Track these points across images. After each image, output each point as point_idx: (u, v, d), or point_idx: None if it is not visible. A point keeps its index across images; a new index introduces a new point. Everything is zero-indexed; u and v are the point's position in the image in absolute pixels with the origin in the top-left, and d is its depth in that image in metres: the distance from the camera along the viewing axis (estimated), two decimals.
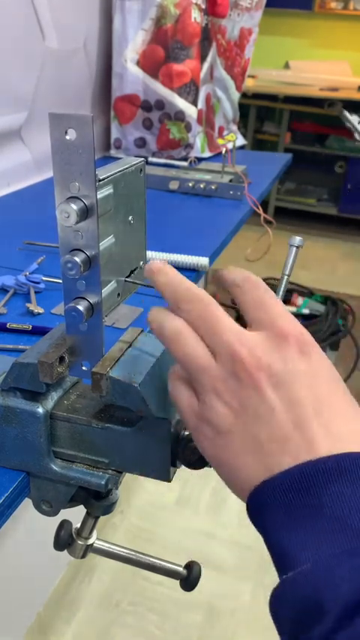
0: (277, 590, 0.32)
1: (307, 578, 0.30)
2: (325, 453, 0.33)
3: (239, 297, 0.38)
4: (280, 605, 0.32)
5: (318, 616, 0.29)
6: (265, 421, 0.34)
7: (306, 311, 2.62)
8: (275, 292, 0.48)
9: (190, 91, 1.56)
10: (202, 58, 1.59)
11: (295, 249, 0.48)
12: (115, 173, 0.42)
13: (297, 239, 0.47)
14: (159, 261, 0.41)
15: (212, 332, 0.36)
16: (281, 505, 0.33)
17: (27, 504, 0.52)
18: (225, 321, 0.36)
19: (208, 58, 1.65)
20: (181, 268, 0.91)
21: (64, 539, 0.57)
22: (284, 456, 0.33)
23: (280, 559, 0.32)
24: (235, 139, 1.62)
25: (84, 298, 0.42)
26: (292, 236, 0.48)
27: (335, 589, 0.29)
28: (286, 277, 0.48)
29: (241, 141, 2.03)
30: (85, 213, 0.39)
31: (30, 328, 0.72)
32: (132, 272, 0.48)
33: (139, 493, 1.78)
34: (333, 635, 0.28)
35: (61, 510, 0.52)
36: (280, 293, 0.47)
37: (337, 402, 0.35)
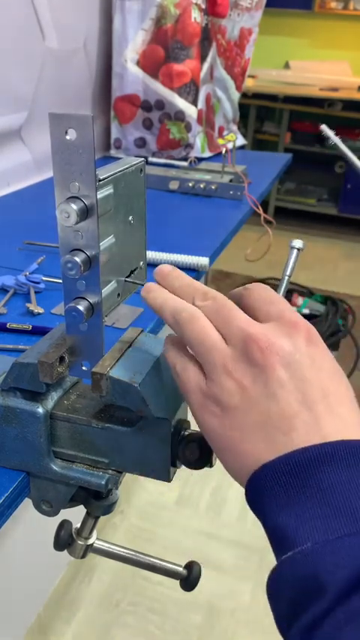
0: (276, 572, 0.32)
1: (307, 557, 0.31)
2: (331, 432, 0.34)
3: (248, 298, 0.40)
4: (278, 585, 0.32)
5: (317, 594, 0.30)
6: (274, 397, 0.35)
7: (306, 311, 2.62)
8: (276, 292, 0.48)
9: (190, 91, 1.56)
10: (202, 58, 1.59)
11: (296, 251, 0.48)
12: (115, 173, 0.42)
13: (299, 242, 0.48)
14: (166, 266, 0.43)
15: (226, 321, 0.38)
16: (282, 486, 0.33)
17: (27, 504, 0.52)
18: (238, 312, 0.38)
19: (208, 58, 1.65)
20: (181, 268, 0.91)
21: (64, 539, 0.57)
22: (292, 432, 0.34)
23: (279, 540, 0.33)
24: (235, 139, 1.62)
25: (84, 298, 0.42)
26: (293, 239, 0.48)
27: (335, 568, 0.30)
28: (286, 278, 0.48)
29: (241, 141, 2.03)
30: (85, 213, 0.39)
31: (30, 328, 0.72)
32: (132, 272, 0.48)
33: (139, 493, 1.78)
34: (331, 612, 0.29)
35: (61, 510, 0.52)
36: (281, 294, 0.47)
37: (341, 392, 0.36)
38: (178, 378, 0.40)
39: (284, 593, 0.32)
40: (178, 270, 0.42)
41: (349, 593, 0.29)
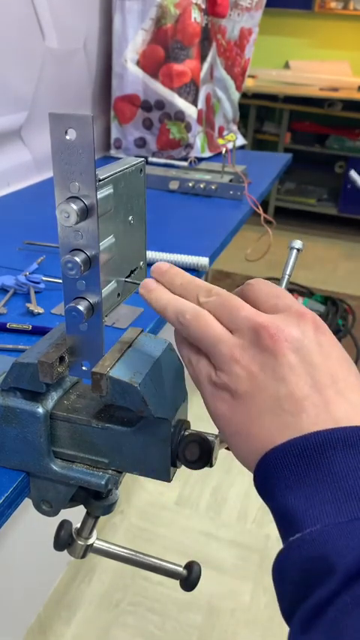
0: (283, 553, 0.32)
1: (316, 539, 0.31)
2: (342, 417, 0.34)
3: (253, 292, 0.40)
4: (285, 566, 0.32)
5: (325, 575, 0.30)
6: (283, 381, 0.35)
7: None
8: None
9: (190, 91, 1.56)
10: (202, 58, 1.59)
11: (295, 251, 0.48)
12: (115, 173, 0.42)
13: (298, 242, 0.48)
14: (165, 263, 0.43)
15: (232, 314, 0.38)
16: (292, 468, 0.33)
17: (27, 504, 0.52)
18: (244, 304, 0.38)
19: (208, 58, 1.65)
20: (181, 268, 0.91)
21: (64, 539, 0.57)
22: (301, 414, 0.34)
23: (288, 521, 0.33)
24: (235, 139, 1.62)
25: (84, 298, 0.42)
26: (293, 239, 0.48)
27: (345, 550, 0.29)
28: (287, 277, 0.48)
29: (241, 141, 2.03)
30: (85, 213, 0.39)
31: (30, 328, 0.72)
32: (132, 272, 0.48)
33: (139, 493, 1.78)
34: (338, 595, 0.29)
35: (61, 510, 0.52)
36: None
37: (351, 379, 0.36)
38: (190, 372, 0.41)
39: (291, 574, 0.32)
40: (176, 267, 0.43)
41: (358, 576, 0.29)
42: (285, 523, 0.33)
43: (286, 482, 0.34)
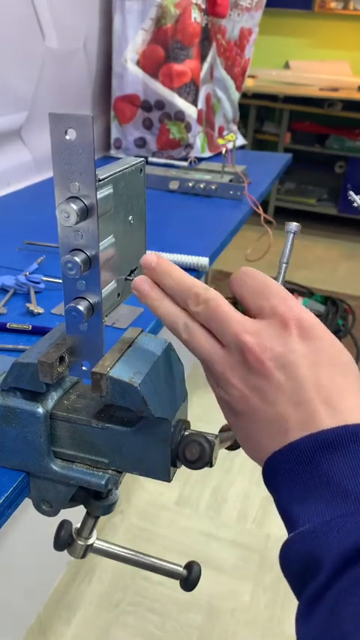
0: (282, 550, 0.36)
1: (305, 538, 0.34)
2: (327, 426, 0.36)
3: (240, 289, 0.40)
4: (284, 562, 0.36)
5: (316, 571, 0.33)
6: (272, 401, 0.37)
7: None
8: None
9: (190, 91, 1.56)
10: (202, 58, 1.59)
11: (292, 235, 0.47)
12: (115, 173, 0.42)
13: (293, 225, 0.47)
14: (152, 254, 0.42)
15: (220, 326, 0.39)
16: (287, 473, 0.36)
17: (27, 504, 0.52)
18: (231, 314, 0.39)
19: (208, 58, 1.65)
20: (181, 268, 0.91)
21: (64, 539, 0.57)
22: (291, 431, 0.37)
23: (286, 520, 0.37)
24: (235, 139, 1.62)
25: (84, 298, 0.42)
26: (287, 223, 0.47)
27: (329, 545, 0.33)
28: (284, 265, 0.48)
29: (241, 141, 2.03)
30: (85, 213, 0.39)
31: (30, 328, 0.72)
32: (132, 272, 0.48)
33: (139, 493, 1.78)
34: (329, 585, 0.32)
35: (61, 510, 0.52)
36: (280, 281, 0.47)
37: (339, 384, 0.37)
38: (185, 343, 0.42)
39: (290, 567, 0.36)
40: (164, 260, 0.42)
41: (345, 567, 0.32)
42: (286, 521, 0.37)
43: (284, 486, 0.37)
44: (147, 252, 0.43)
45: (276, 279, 0.47)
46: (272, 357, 0.37)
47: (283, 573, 0.36)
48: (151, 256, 0.42)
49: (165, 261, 0.42)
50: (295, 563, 0.35)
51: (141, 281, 0.42)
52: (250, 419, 0.39)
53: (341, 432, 0.35)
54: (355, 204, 0.62)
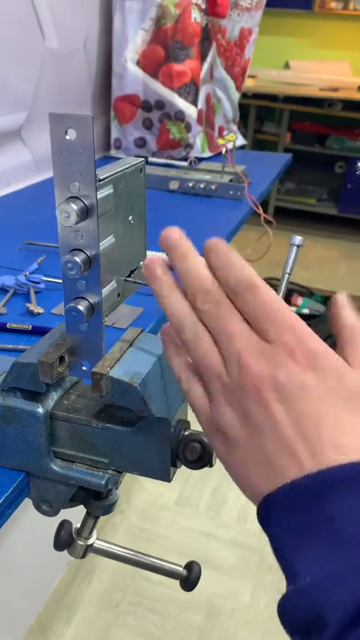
0: (282, 601, 0.33)
1: (305, 594, 0.31)
2: (329, 464, 0.32)
3: (241, 307, 0.36)
4: (284, 614, 0.33)
5: (319, 628, 0.30)
6: (269, 434, 0.34)
7: (306, 311, 2.62)
8: (276, 291, 0.48)
9: (190, 91, 1.56)
10: (202, 58, 1.59)
11: (295, 248, 0.48)
12: (115, 173, 0.42)
13: (297, 238, 0.47)
14: (176, 230, 0.39)
15: (224, 337, 0.36)
16: (283, 517, 0.33)
17: (27, 504, 0.52)
18: (237, 326, 0.36)
19: (208, 58, 1.65)
20: None
21: (64, 539, 0.57)
22: (288, 469, 0.33)
23: (284, 569, 0.33)
24: (235, 139, 1.62)
25: (84, 298, 0.42)
26: (292, 235, 0.48)
27: (333, 604, 0.29)
28: (287, 276, 0.48)
29: (241, 141, 2.03)
30: (85, 213, 0.39)
31: (30, 328, 0.72)
32: (132, 272, 0.48)
33: (139, 493, 1.78)
34: None
35: (61, 510, 0.52)
36: (281, 292, 0.47)
37: (343, 420, 0.33)
38: (184, 394, 0.39)
39: (291, 621, 0.32)
40: (186, 240, 0.39)
41: (349, 629, 0.29)
42: (283, 567, 0.33)
43: (280, 531, 0.33)
44: (171, 227, 0.39)
45: (278, 287, 0.47)
46: (274, 388, 0.34)
47: (282, 624, 0.33)
48: (173, 231, 0.39)
49: (187, 242, 0.39)
50: (296, 619, 0.32)
51: (154, 261, 0.39)
52: (246, 449, 0.35)
53: (348, 471, 0.31)
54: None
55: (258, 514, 0.35)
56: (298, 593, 0.31)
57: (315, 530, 0.32)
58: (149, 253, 0.43)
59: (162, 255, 0.40)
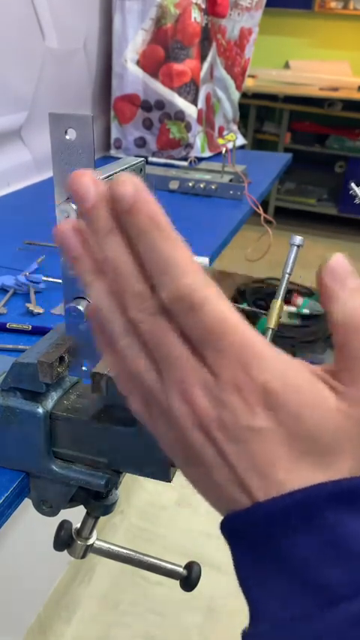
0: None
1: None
2: (280, 493, 0.28)
3: (178, 323, 0.29)
4: None
5: None
6: (218, 469, 0.30)
7: (306, 311, 2.62)
8: (276, 291, 0.48)
9: (190, 90, 1.56)
10: (202, 57, 1.59)
11: (295, 248, 0.48)
12: (115, 173, 0.42)
13: (297, 238, 0.48)
14: (128, 175, 0.29)
15: (162, 359, 0.29)
16: (239, 547, 0.31)
17: (27, 504, 0.52)
18: (177, 349, 0.29)
19: (208, 58, 1.65)
20: None
21: (64, 539, 0.57)
22: (241, 499, 0.30)
23: (245, 597, 0.31)
24: (235, 138, 1.62)
25: (84, 298, 0.42)
26: (292, 235, 0.48)
27: None
28: (287, 276, 0.48)
29: (241, 141, 2.03)
30: None
31: (30, 328, 0.72)
32: None
33: (139, 493, 1.78)
34: None
35: (61, 510, 0.52)
36: (281, 292, 0.47)
37: (293, 460, 0.29)
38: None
39: None
40: (147, 193, 0.29)
41: None
42: (245, 597, 0.31)
43: (241, 557, 0.31)
44: (83, 170, 0.29)
45: (278, 287, 0.47)
46: (220, 427, 0.29)
47: None
48: (84, 175, 0.28)
49: (147, 194, 0.29)
50: None
51: (68, 226, 0.29)
52: (192, 475, 0.33)
53: (307, 500, 0.27)
54: (357, 201, 0.62)
55: (221, 527, 0.32)
56: (259, 638, 0.29)
57: (273, 563, 0.28)
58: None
59: (134, 179, 0.28)
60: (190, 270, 0.28)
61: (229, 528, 0.31)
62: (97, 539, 0.59)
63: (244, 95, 2.54)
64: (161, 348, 0.29)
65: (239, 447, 0.29)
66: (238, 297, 2.82)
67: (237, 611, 1.46)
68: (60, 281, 0.56)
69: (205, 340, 0.28)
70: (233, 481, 0.30)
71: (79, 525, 0.57)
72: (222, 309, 0.28)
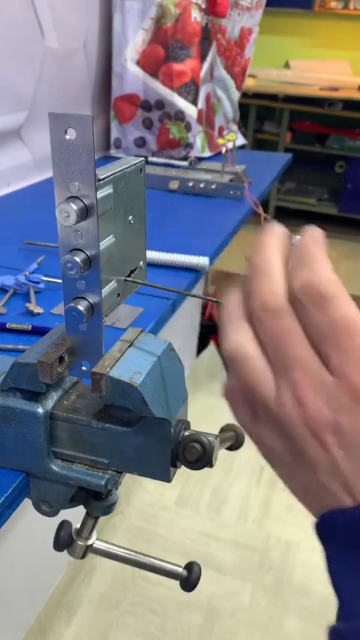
0: (333, 633, 0.31)
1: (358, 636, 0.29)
2: None
3: (304, 320, 0.30)
4: None
5: None
6: (325, 471, 0.31)
7: None
8: None
9: (190, 90, 1.56)
10: (202, 57, 1.59)
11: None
12: (115, 173, 0.42)
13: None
14: (316, 234, 0.32)
15: (280, 359, 0.31)
16: (335, 545, 0.31)
17: (27, 504, 0.52)
18: (297, 349, 0.30)
19: (208, 58, 1.65)
20: (181, 268, 0.91)
21: (64, 540, 0.57)
22: (344, 498, 0.31)
23: (337, 596, 0.31)
24: (235, 138, 1.62)
25: (84, 298, 0.42)
26: (292, 235, 0.48)
27: None
28: None
29: (241, 141, 2.03)
30: (85, 213, 0.39)
31: (30, 328, 0.72)
32: (132, 272, 0.48)
33: (139, 493, 1.78)
34: None
35: (61, 510, 0.52)
36: None
37: None
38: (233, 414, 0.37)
39: None
40: (269, 242, 0.33)
41: None
42: (336, 595, 0.31)
43: (332, 558, 0.31)
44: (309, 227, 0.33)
45: None
46: (334, 432, 0.29)
47: None
48: (313, 235, 0.32)
49: (268, 243, 0.33)
50: None
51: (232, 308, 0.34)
52: (289, 471, 0.33)
53: None
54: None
55: (315, 529, 0.33)
56: (354, 633, 0.29)
57: None
58: (149, 253, 0.42)
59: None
60: (327, 267, 0.29)
61: (328, 525, 0.31)
62: (97, 539, 0.58)
63: (244, 95, 2.54)
64: (281, 349, 0.30)
65: (353, 452, 0.29)
66: None
67: (237, 612, 1.46)
68: (60, 281, 0.56)
69: (330, 337, 0.29)
70: (339, 482, 0.30)
71: (79, 525, 0.57)
72: (352, 309, 0.29)
